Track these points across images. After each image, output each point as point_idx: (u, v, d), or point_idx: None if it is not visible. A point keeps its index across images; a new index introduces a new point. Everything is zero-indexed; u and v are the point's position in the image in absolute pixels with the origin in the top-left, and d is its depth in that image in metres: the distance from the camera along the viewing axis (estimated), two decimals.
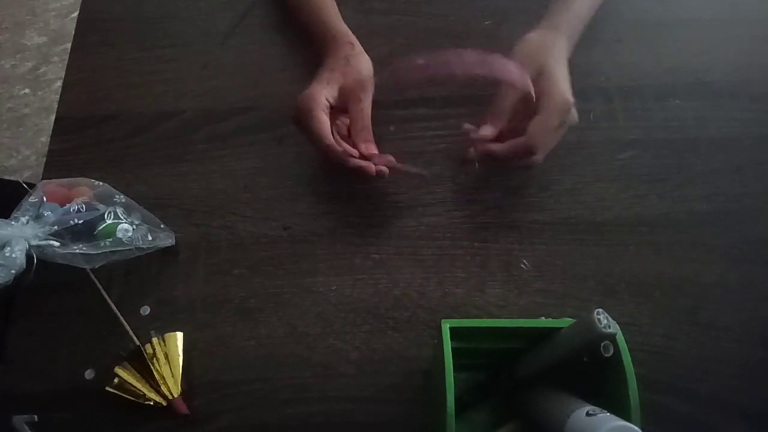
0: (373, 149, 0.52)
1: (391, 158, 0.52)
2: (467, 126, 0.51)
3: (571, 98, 0.49)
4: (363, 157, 0.52)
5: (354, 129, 0.53)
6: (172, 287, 0.52)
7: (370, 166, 0.50)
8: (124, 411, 0.47)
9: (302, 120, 0.51)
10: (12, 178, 0.76)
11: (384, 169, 0.51)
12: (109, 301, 0.50)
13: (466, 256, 0.52)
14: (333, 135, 0.51)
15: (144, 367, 0.47)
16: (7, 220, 0.47)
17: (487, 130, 0.50)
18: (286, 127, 0.57)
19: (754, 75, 0.60)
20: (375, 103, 0.56)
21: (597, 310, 0.33)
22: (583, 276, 0.51)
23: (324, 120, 0.51)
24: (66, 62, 0.63)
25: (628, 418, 0.34)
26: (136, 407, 0.46)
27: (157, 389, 0.46)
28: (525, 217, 0.52)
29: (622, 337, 0.36)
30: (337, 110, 0.53)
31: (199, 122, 0.59)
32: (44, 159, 0.58)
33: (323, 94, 0.52)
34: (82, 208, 0.49)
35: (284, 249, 0.53)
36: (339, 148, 0.51)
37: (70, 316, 0.50)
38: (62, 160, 0.58)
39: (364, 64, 0.55)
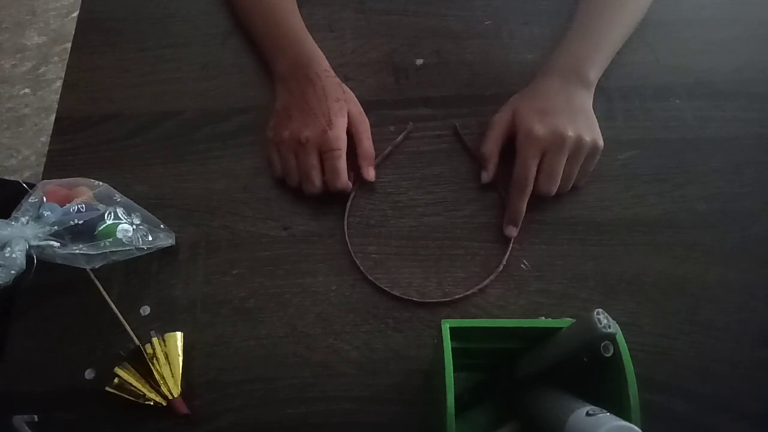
0: (373, 175, 0.54)
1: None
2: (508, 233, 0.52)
3: (534, 126, 0.50)
4: (357, 178, 0.54)
5: (363, 152, 0.54)
6: (172, 287, 0.52)
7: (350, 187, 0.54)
8: (124, 411, 0.47)
9: (330, 159, 0.52)
10: (12, 178, 0.76)
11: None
12: (109, 301, 0.50)
13: (466, 256, 0.52)
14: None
15: (144, 367, 0.47)
16: (7, 220, 0.47)
17: (511, 232, 0.52)
18: None
19: (754, 75, 0.60)
20: (375, 104, 0.55)
21: (597, 310, 0.33)
22: (583, 276, 0.51)
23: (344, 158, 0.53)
24: (66, 62, 0.63)
25: (628, 418, 0.34)
26: (136, 407, 0.46)
27: (157, 389, 0.46)
28: (525, 217, 0.52)
29: (622, 337, 0.36)
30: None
31: (199, 122, 0.59)
32: (44, 159, 0.58)
33: (344, 129, 0.53)
34: (82, 208, 0.49)
35: (284, 249, 0.53)
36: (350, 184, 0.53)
37: (70, 316, 0.50)
38: (62, 160, 0.57)
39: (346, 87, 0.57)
